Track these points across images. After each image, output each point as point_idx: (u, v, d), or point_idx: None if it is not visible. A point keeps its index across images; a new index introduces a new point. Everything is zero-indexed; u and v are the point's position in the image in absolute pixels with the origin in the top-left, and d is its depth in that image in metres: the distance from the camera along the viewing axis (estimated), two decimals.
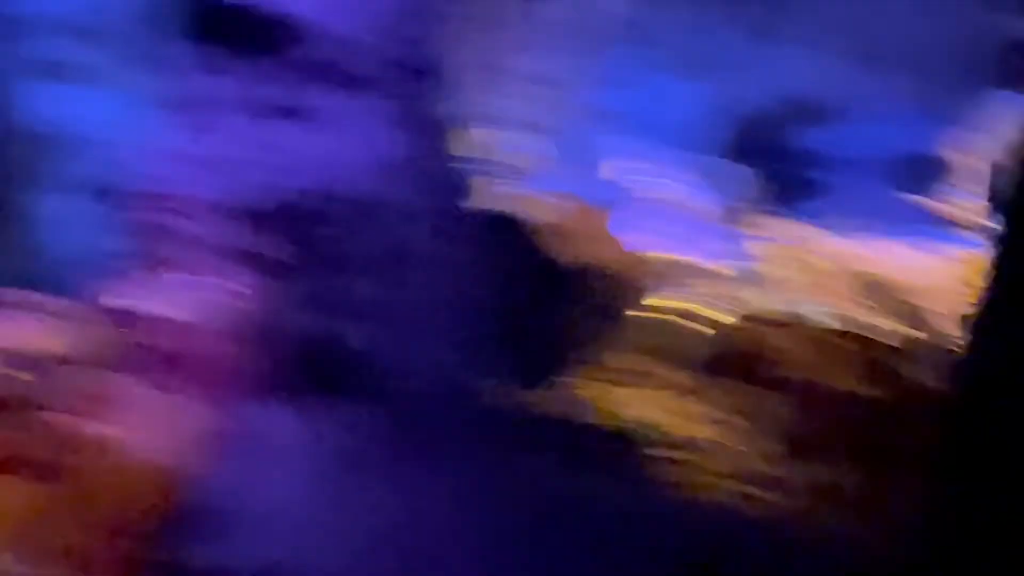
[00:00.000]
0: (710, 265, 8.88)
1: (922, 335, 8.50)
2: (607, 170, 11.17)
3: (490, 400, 6.59)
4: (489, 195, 9.67)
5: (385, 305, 5.85)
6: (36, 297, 5.02)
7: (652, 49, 12.86)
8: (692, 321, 7.48)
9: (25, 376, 4.73)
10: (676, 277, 8.53)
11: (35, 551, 4.47)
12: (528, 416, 6.69)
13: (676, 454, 6.51)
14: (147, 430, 4.76)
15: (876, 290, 8.82)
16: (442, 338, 6.06)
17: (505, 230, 7.34)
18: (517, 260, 7.20)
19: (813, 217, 10.62)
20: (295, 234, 5.78)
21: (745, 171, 13.10)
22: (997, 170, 9.10)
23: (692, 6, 12.45)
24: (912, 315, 8.83)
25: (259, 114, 5.93)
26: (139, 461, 4.67)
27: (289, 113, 5.93)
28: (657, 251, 9.04)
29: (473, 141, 10.54)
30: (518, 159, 10.61)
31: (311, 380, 5.70)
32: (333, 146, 5.84)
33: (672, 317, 7.55)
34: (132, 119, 6.98)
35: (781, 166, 13.80)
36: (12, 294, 5.00)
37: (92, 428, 4.64)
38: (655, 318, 7.56)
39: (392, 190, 5.96)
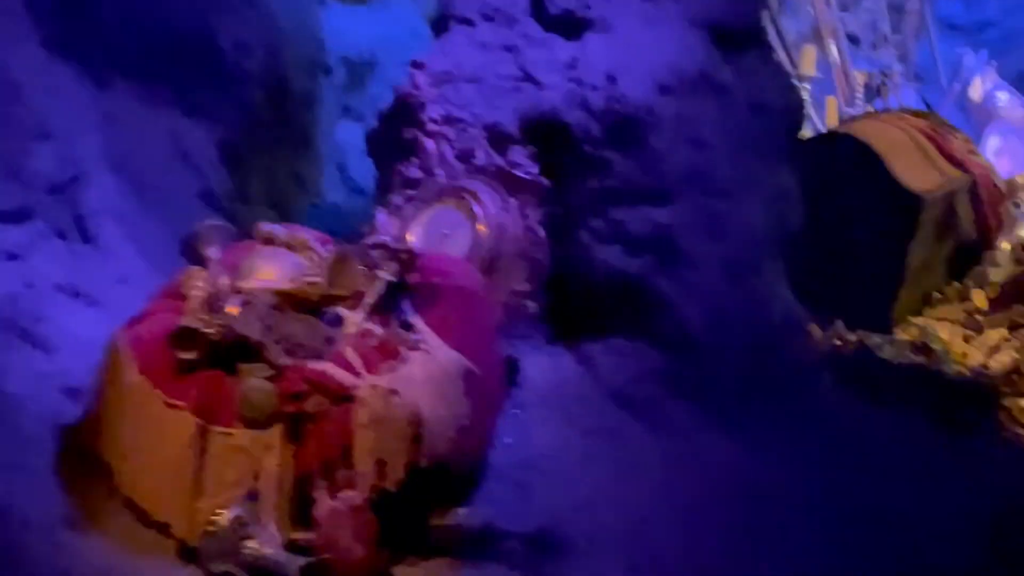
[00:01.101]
0: None
1: None
2: (971, 90, 10.36)
3: (823, 344, 5.97)
4: (830, 116, 8.89)
5: (690, 238, 5.18)
6: (304, 235, 4.62)
7: None
8: None
9: (294, 323, 4.34)
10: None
11: (283, 510, 4.10)
12: (869, 359, 6.02)
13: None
14: (414, 379, 4.27)
15: None
16: (758, 276, 5.36)
17: (845, 154, 6.53)
18: (859, 187, 6.42)
19: None
20: (582, 157, 5.22)
21: None
22: None
23: None
24: None
25: (545, 26, 5.45)
26: (406, 414, 4.19)
27: (577, 24, 5.40)
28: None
29: (814, 58, 9.81)
30: (868, 76, 9.84)
31: (601, 322, 5.15)
32: (626, 59, 5.24)
33: None
34: (413, 40, 6.62)
35: None
36: (283, 232, 4.62)
37: (358, 379, 4.19)
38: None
39: (692, 108, 5.27)
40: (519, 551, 4.36)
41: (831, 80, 10.09)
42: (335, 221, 6.38)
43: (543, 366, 5.04)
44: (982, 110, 10.57)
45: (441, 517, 4.35)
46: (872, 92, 10.14)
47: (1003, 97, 10.55)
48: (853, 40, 10.88)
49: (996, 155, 10.00)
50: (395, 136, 5.34)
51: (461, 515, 4.37)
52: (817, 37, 10.31)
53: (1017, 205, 8.18)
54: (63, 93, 5.93)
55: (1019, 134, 10.23)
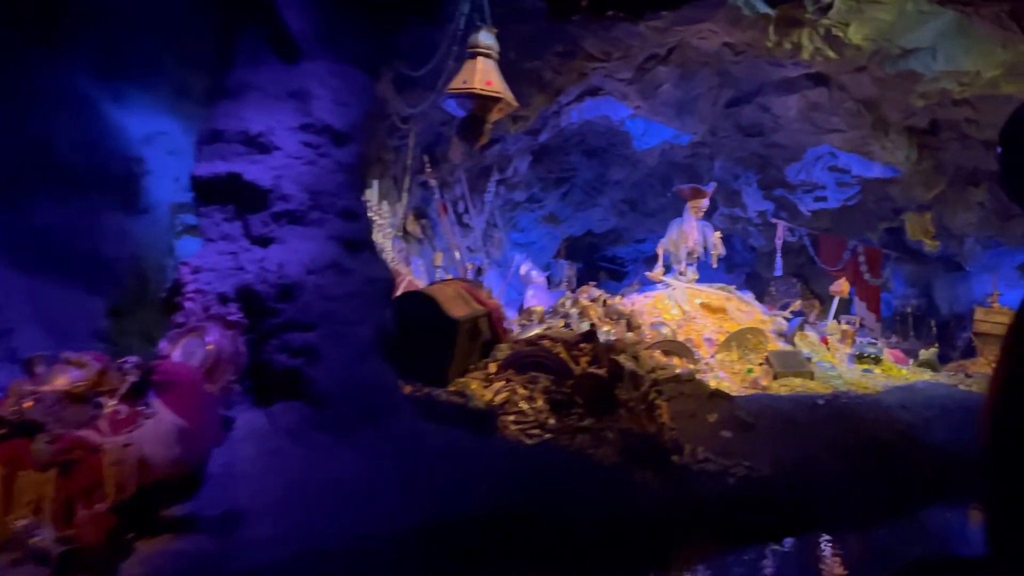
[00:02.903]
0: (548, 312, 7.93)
1: (632, 335, 7.31)
2: (521, 270, 10.22)
3: (410, 393, 5.23)
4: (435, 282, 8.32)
5: (327, 348, 4.36)
6: (85, 357, 3.58)
7: (538, 213, 11.83)
8: (527, 345, 5.97)
9: (69, 407, 3.30)
10: (534, 319, 7.33)
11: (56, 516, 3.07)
12: (434, 400, 5.28)
13: (510, 418, 5.13)
14: (145, 435, 3.32)
15: (615, 314, 7.76)
16: (369, 362, 4.56)
17: (421, 300, 5.94)
18: (427, 316, 5.81)
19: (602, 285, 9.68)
20: (269, 309, 4.36)
21: (573, 265, 12.12)
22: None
23: (556, 193, 11.51)
24: (629, 325, 7.65)
25: (250, 241, 4.53)
26: (135, 456, 3.24)
27: (266, 240, 4.52)
28: (534, 305, 8.26)
29: (442, 257, 9.34)
30: (474, 266, 9.46)
31: (279, 393, 4.28)
32: (290, 258, 4.42)
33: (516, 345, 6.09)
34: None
35: (590, 262, 12.75)
36: (73, 355, 3.57)
37: (107, 439, 3.22)
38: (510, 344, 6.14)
39: (326, 280, 4.47)
40: (212, 526, 3.46)
41: (453, 268, 9.73)
42: None
43: (247, 419, 4.15)
44: (526, 278, 10.44)
45: (167, 509, 3.42)
46: (476, 273, 9.73)
47: (534, 274, 10.51)
48: (470, 248, 10.54)
49: (531, 298, 9.81)
50: (170, 299, 4.39)
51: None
52: (451, 247, 9.91)
53: (530, 322, 7.84)
54: None
55: (540, 289, 10.18)
